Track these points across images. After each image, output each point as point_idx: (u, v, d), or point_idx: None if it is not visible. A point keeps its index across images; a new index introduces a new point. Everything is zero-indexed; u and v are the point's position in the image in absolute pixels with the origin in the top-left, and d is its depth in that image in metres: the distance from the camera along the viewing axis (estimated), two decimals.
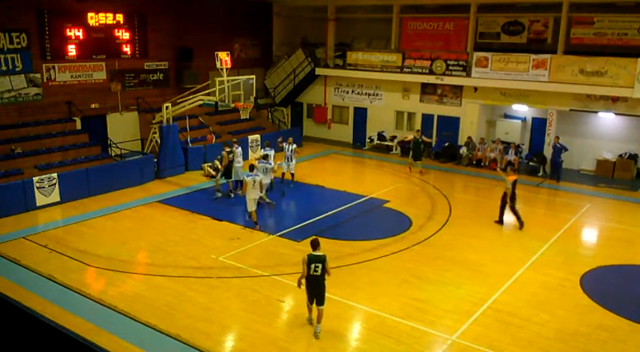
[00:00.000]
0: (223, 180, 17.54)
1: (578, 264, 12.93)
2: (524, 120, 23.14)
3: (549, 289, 11.71)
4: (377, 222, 15.90)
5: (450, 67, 23.12)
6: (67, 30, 19.82)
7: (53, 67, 19.54)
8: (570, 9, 21.22)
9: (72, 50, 20.00)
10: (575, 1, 21.03)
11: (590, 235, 15.73)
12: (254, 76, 19.53)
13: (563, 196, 18.66)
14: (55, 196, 16.21)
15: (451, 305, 10.89)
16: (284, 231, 14.56)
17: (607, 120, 21.16)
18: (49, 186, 16.13)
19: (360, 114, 26.42)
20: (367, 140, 26.01)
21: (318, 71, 26.49)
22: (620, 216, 16.68)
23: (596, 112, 20.87)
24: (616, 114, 20.52)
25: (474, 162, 22.27)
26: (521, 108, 22.82)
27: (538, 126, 22.66)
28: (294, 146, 18.50)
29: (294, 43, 27.59)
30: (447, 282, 11.87)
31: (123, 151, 19.72)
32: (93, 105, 20.83)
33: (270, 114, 27.01)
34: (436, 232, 14.83)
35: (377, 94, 25.81)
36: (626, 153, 20.86)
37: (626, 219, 16.37)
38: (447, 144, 23.43)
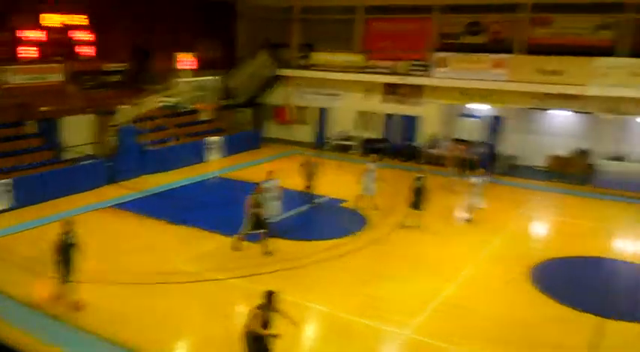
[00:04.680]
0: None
1: (529, 257, 13.25)
2: (483, 118, 23.53)
3: (500, 282, 11.98)
4: (334, 221, 16.00)
5: (413, 68, 23.40)
6: (22, 31, 19.34)
7: (7, 70, 19.05)
8: (530, 10, 21.69)
9: (27, 52, 19.53)
10: (535, 2, 21.49)
11: (540, 229, 16.13)
12: (216, 77, 19.41)
13: (517, 192, 19.05)
14: (8, 202, 15.80)
15: (406, 301, 11.02)
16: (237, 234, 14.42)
17: (561, 117, 21.72)
18: (5, 191, 15.71)
19: (323, 115, 26.47)
20: (328, 140, 26.09)
21: (282, 72, 26.49)
22: (571, 210, 17.14)
23: (553, 110, 21.37)
24: (571, 111, 21.06)
25: (434, 161, 22.51)
26: (480, 107, 23.20)
27: (497, 125, 23.09)
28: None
29: (258, 44, 27.51)
30: (403, 279, 12.00)
31: (79, 155, 19.31)
32: (47, 108, 20.36)
33: (232, 115, 26.83)
34: (392, 230, 15.00)
35: (340, 95, 25.93)
36: (578, 149, 21.45)
37: (576, 212, 16.84)
38: (407, 143, 23.70)
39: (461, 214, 15.90)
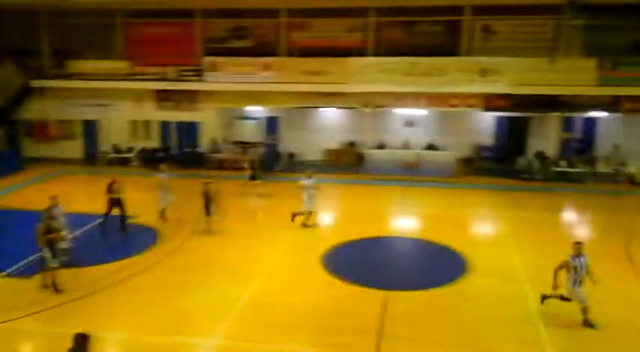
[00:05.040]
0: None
1: (319, 246, 14.01)
2: (259, 119, 24.27)
3: (297, 273, 12.51)
4: (123, 239, 14.88)
5: (183, 73, 22.98)
6: None
7: None
8: (289, 14, 22.93)
9: None
10: (293, 7, 22.75)
11: (326, 217, 17.21)
12: None
13: (299, 186, 20.10)
14: None
15: (210, 308, 10.72)
16: (9, 269, 12.48)
17: (331, 113, 23.56)
18: None
19: (92, 127, 24.45)
20: (102, 154, 24.20)
21: (35, 83, 23.66)
22: (348, 197, 18.68)
23: (321, 107, 23.04)
24: (337, 107, 22.95)
25: (218, 165, 22.52)
26: (255, 109, 23.86)
27: (273, 125, 24.10)
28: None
29: (1, 52, 24.02)
30: (204, 287, 11.67)
31: None
32: None
33: None
34: (188, 239, 14.57)
35: (108, 105, 24.20)
36: (348, 142, 23.60)
37: (354, 199, 18.41)
38: (189, 150, 23.31)
39: (302, 221, 15.72)
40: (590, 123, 22.34)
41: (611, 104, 20.66)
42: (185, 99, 23.56)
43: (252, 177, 18.79)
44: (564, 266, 9.99)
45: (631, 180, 20.45)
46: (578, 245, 9.98)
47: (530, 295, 11.21)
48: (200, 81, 22.85)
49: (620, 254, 13.60)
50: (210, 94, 23.20)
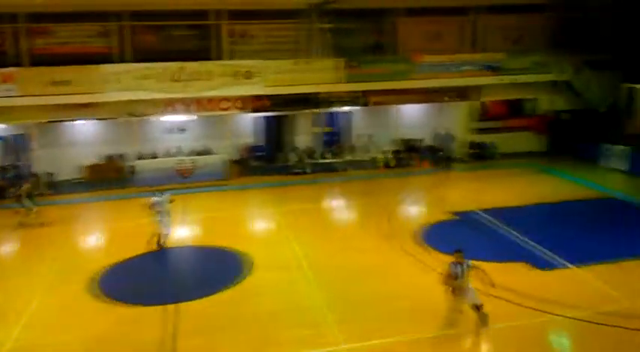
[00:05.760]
0: None
1: (90, 271, 12.70)
2: (3, 139, 21.13)
3: (68, 306, 11.20)
4: None
5: None
6: None
7: None
8: (27, 20, 20.37)
9: None
10: (31, 12, 20.28)
11: (89, 240, 15.71)
12: None
13: (59, 209, 18.01)
14: None
15: None
16: None
17: (89, 125, 21.56)
18: None
19: None
20: None
21: None
22: (116, 214, 17.36)
23: (75, 120, 20.93)
24: (95, 119, 21.08)
25: None
26: None
27: (22, 143, 21.18)
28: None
29: None
30: None
31: None
32: None
33: None
34: None
35: None
36: (112, 154, 22.02)
37: (121, 215, 17.16)
38: None
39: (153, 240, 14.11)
40: (346, 116, 24.43)
41: (360, 98, 22.87)
42: None
43: (33, 203, 16.36)
44: (448, 274, 9.69)
45: (385, 165, 22.94)
46: (458, 253, 9.69)
47: (314, 281, 11.72)
48: None
49: (382, 229, 15.08)
50: None
